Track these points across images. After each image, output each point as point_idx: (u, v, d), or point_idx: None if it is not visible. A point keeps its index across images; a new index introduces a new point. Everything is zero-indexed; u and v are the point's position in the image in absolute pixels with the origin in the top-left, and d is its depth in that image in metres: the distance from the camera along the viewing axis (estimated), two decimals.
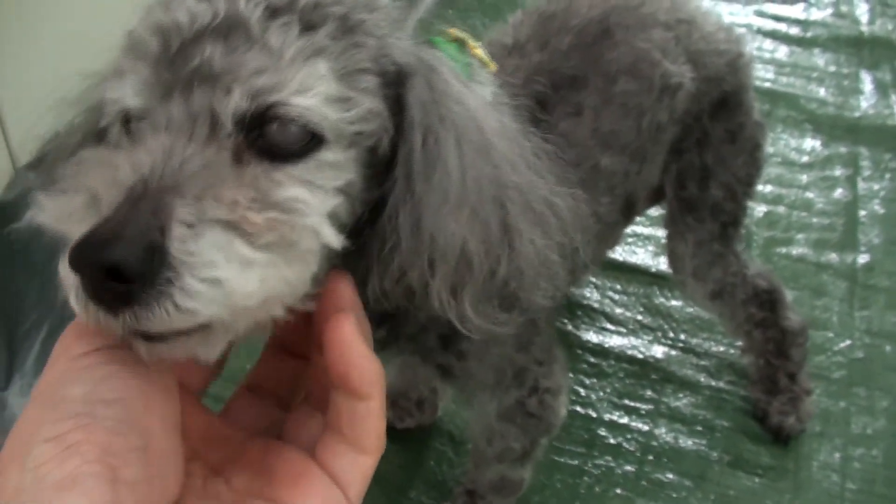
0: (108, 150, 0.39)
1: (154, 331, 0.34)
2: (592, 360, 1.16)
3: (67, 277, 0.34)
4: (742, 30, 1.76)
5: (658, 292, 1.25)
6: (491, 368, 0.78)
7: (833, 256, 1.34)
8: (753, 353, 1.12)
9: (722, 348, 1.19)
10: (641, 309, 1.23)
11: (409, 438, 1.06)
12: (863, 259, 1.34)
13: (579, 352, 1.17)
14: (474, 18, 1.69)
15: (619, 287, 1.25)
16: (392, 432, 1.05)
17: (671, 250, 1.03)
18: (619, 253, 1.28)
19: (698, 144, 0.94)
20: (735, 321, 1.08)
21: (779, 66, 1.68)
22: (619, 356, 1.17)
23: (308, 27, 0.41)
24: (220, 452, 0.40)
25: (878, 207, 1.42)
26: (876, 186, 1.46)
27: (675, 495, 1.04)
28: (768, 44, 1.73)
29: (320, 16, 0.42)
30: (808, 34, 1.76)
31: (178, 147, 0.37)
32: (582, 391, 1.13)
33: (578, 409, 1.11)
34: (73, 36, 1.05)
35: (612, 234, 0.91)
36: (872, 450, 1.10)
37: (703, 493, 1.04)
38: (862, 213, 1.41)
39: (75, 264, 0.33)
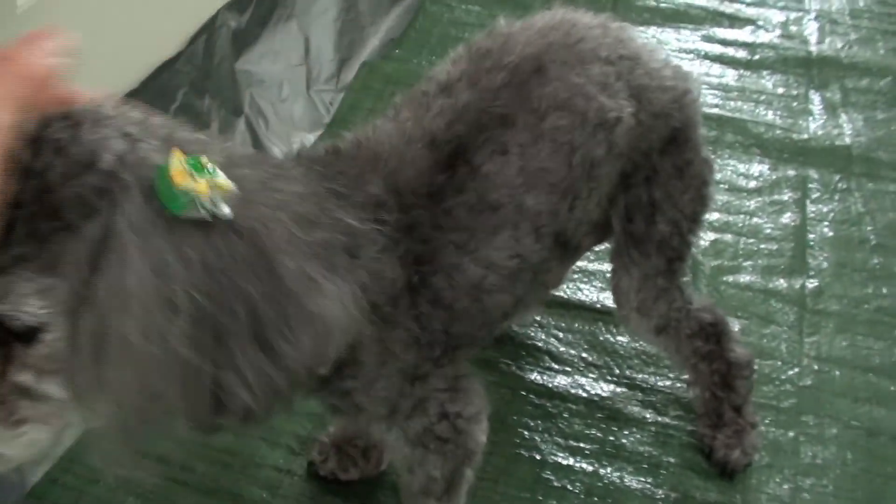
0: None
1: None
2: (537, 401, 1.15)
3: None
4: (690, 55, 1.76)
5: (603, 328, 1.24)
6: (380, 401, 0.78)
7: (781, 282, 1.33)
8: (699, 386, 1.11)
9: (668, 383, 1.19)
10: (586, 346, 1.22)
11: (351, 492, 1.05)
12: (811, 284, 1.34)
13: (523, 393, 1.16)
14: (421, 57, 1.69)
15: (563, 325, 1.25)
16: (335, 485, 1.04)
17: (616, 284, 1.03)
18: (563, 290, 1.27)
19: (647, 180, 0.94)
20: (681, 355, 1.07)
21: (726, 90, 1.68)
22: (564, 396, 1.16)
23: None
24: None
25: (827, 230, 1.42)
26: (825, 209, 1.46)
27: None
28: (716, 69, 1.73)
29: None
30: (756, 56, 1.77)
31: None
32: (526, 433, 1.12)
33: (523, 452, 1.10)
34: None
35: (544, 272, 0.90)
36: (822, 479, 1.09)
37: None
38: (811, 236, 1.41)
39: None
